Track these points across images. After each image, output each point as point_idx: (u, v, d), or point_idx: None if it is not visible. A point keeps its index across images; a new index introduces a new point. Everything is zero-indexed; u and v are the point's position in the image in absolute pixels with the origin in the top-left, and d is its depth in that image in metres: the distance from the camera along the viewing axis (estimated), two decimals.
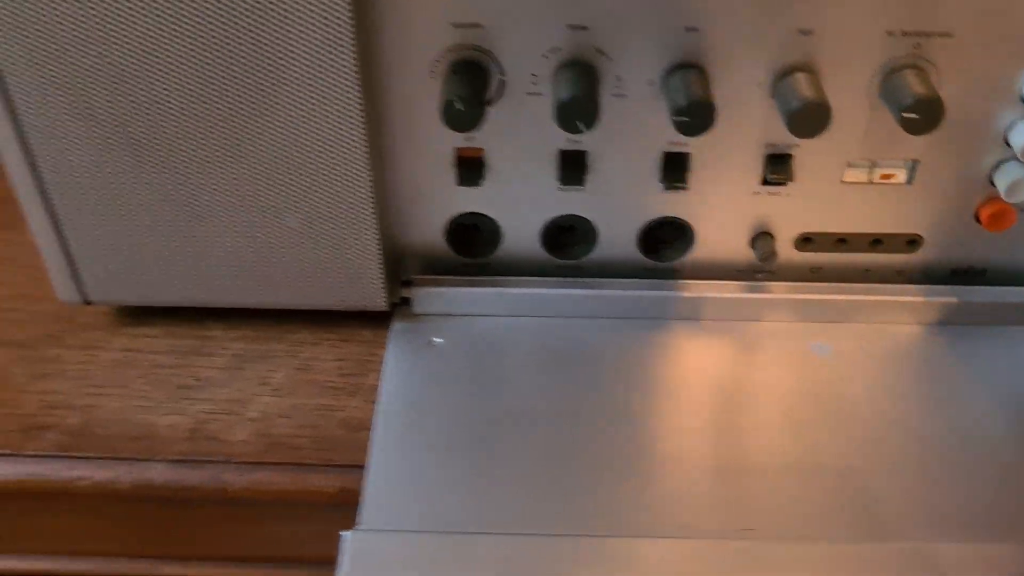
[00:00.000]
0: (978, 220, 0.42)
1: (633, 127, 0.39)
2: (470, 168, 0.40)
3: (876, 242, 0.43)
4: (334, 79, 0.35)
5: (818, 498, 0.37)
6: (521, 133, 0.39)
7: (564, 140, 0.39)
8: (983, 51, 0.37)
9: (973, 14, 0.36)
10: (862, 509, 0.36)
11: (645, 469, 0.38)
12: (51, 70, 0.35)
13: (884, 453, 0.38)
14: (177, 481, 0.38)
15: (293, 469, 0.38)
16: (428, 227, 0.42)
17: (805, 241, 0.43)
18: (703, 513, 0.36)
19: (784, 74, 0.37)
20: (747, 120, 0.38)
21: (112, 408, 0.40)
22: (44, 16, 0.34)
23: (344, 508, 0.37)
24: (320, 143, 0.37)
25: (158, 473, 0.38)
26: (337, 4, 0.34)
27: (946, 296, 0.43)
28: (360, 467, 0.37)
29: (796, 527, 0.35)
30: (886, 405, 0.41)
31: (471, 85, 0.36)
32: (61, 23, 0.34)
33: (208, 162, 0.37)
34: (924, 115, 0.36)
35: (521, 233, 0.42)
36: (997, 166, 0.40)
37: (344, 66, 0.35)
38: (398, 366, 0.41)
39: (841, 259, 0.43)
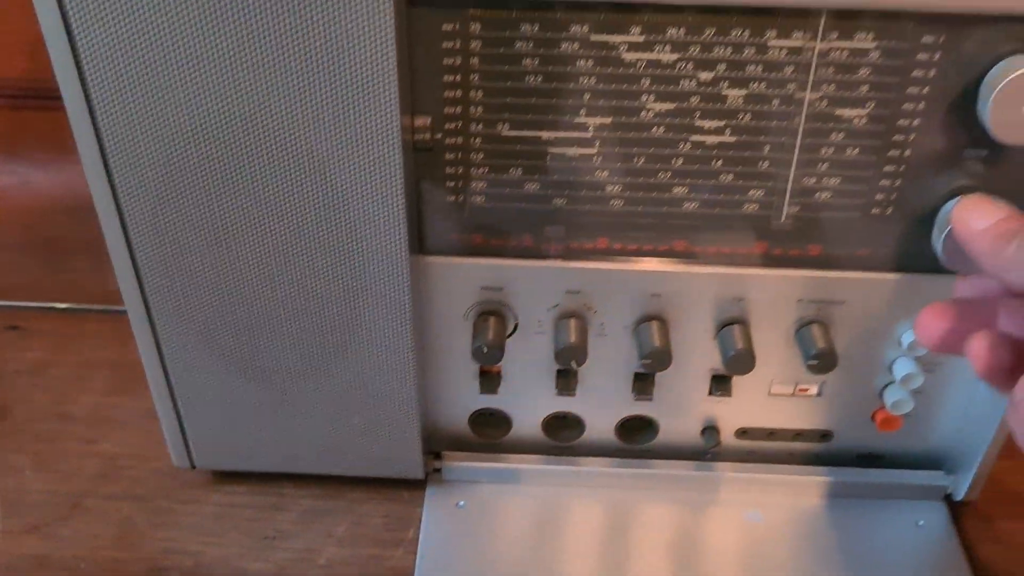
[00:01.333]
0: (874, 421, 0.55)
1: (612, 356, 0.52)
2: (490, 381, 0.53)
3: (797, 435, 0.56)
4: (396, 327, 0.48)
5: None
6: (529, 359, 0.52)
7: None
8: (869, 310, 0.50)
9: (859, 289, 0.49)
10: None
11: None
12: (191, 314, 0.49)
13: None
14: None
15: None
16: (456, 418, 0.55)
17: (742, 433, 0.56)
18: None
19: (723, 325, 0.50)
20: (697, 355, 0.52)
21: (214, 555, 0.52)
22: (193, 279, 0.47)
23: None
24: (383, 369, 0.50)
25: None
26: (401, 283, 0.47)
27: (852, 477, 0.56)
28: None
29: None
30: (804, 563, 0.53)
31: (495, 332, 0.49)
32: (204, 286, 0.47)
33: (301, 380, 0.50)
34: (823, 364, 0.49)
35: (526, 423, 0.55)
36: (885, 387, 0.53)
37: (403, 321, 0.48)
38: (432, 524, 0.54)
39: (770, 446, 0.56)
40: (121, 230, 0.46)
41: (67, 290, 0.70)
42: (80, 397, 0.62)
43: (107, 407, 0.61)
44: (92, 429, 0.60)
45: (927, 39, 0.42)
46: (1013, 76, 0.40)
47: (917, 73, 0.42)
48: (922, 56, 0.42)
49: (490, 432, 0.56)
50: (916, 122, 0.44)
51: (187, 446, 0.55)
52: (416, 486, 0.56)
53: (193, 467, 0.55)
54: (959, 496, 0.56)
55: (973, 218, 0.39)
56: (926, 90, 0.43)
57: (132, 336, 0.50)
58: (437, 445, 0.57)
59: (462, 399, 0.55)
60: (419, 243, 0.48)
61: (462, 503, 0.55)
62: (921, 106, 0.43)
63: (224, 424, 0.53)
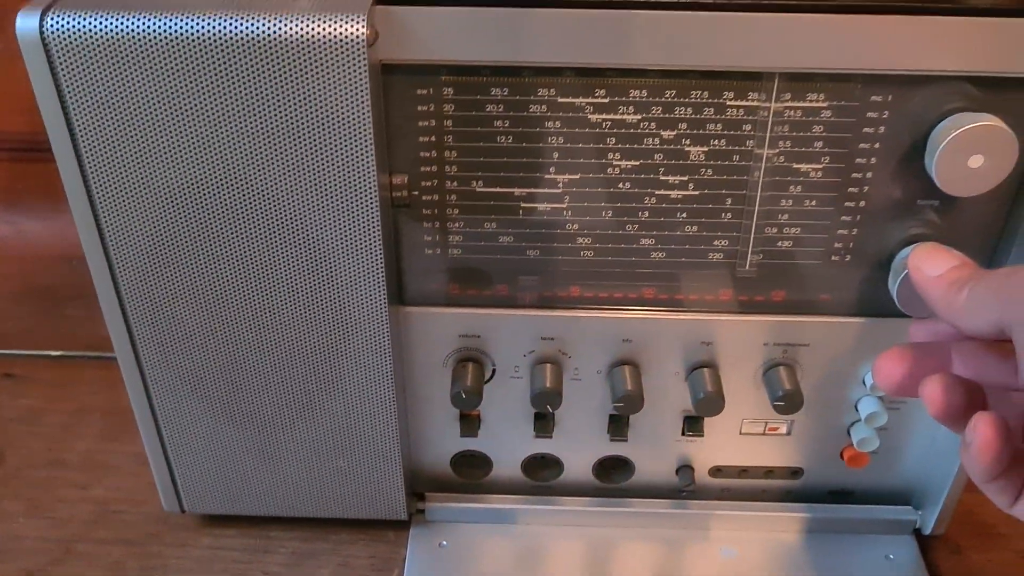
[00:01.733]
0: (843, 458, 0.57)
1: (587, 399, 0.54)
2: (470, 424, 0.55)
3: (769, 472, 0.58)
4: (378, 375, 0.50)
5: None
6: (507, 402, 0.54)
7: None
8: (832, 353, 0.52)
9: (821, 332, 0.51)
10: None
11: None
12: (179, 363, 0.50)
13: None
14: None
15: None
16: (437, 460, 0.57)
17: (716, 471, 0.57)
18: None
19: (693, 368, 0.52)
20: (669, 397, 0.53)
21: None
22: (182, 329, 0.49)
23: None
24: (366, 415, 0.52)
25: None
26: (382, 333, 0.49)
27: (823, 512, 0.58)
28: None
29: None
30: None
31: (473, 378, 0.51)
32: (192, 337, 0.49)
33: (287, 426, 0.52)
34: (789, 404, 0.51)
35: (507, 464, 0.57)
36: (852, 424, 0.55)
37: (384, 369, 0.50)
38: (416, 564, 0.56)
39: (743, 484, 0.58)
40: (111, 282, 0.48)
41: (61, 337, 0.72)
42: (74, 443, 0.63)
43: (100, 453, 0.63)
44: (85, 475, 0.61)
45: (875, 98, 0.44)
46: (957, 133, 0.42)
47: (867, 130, 0.45)
48: (871, 114, 0.44)
49: (471, 473, 0.58)
50: (869, 175, 0.46)
51: (177, 491, 0.56)
52: (400, 527, 0.58)
53: (183, 511, 0.57)
54: (927, 530, 0.57)
55: (927, 265, 0.41)
56: (877, 145, 0.45)
57: (124, 382, 0.52)
58: (420, 487, 0.58)
59: (443, 442, 0.56)
60: (398, 294, 0.50)
61: (445, 543, 0.57)
62: (873, 160, 0.46)
63: (213, 469, 0.55)
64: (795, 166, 0.46)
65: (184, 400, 0.52)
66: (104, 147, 0.44)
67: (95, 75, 0.42)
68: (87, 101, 0.42)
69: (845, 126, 0.45)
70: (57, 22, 0.41)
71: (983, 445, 0.36)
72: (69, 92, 0.42)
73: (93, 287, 0.49)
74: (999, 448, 0.36)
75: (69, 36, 0.41)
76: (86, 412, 0.66)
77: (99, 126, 0.43)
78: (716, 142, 0.46)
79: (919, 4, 0.42)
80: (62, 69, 0.42)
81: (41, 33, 0.41)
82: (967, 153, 0.43)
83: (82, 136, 0.44)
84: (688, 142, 0.46)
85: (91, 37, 0.41)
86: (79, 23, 0.41)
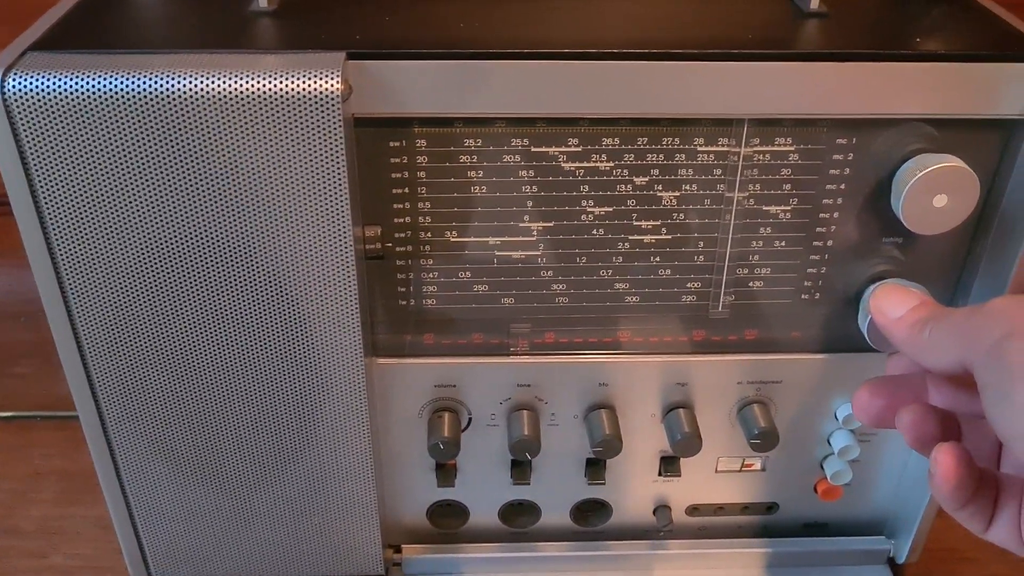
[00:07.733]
0: (816, 492, 0.57)
1: (564, 444, 0.53)
2: (447, 474, 0.54)
3: (745, 508, 0.58)
4: (353, 429, 0.49)
5: None
6: (484, 451, 0.53)
7: None
8: (805, 389, 0.53)
9: (793, 369, 0.52)
10: None
11: None
12: (147, 423, 0.49)
13: None
14: None
15: None
16: (414, 511, 0.56)
17: (693, 509, 0.58)
18: None
19: (669, 410, 0.52)
20: (646, 438, 0.53)
21: None
22: (149, 387, 0.48)
23: None
24: (342, 470, 0.51)
25: None
26: (357, 387, 0.48)
27: (798, 546, 0.58)
28: None
29: None
30: None
31: (450, 428, 0.50)
32: (160, 394, 0.48)
33: (260, 485, 0.51)
34: (765, 442, 0.51)
35: (484, 512, 0.57)
36: (825, 458, 0.56)
37: (360, 423, 0.49)
38: None
39: (720, 521, 0.58)
40: (74, 340, 0.47)
41: (12, 397, 0.69)
42: (28, 509, 0.61)
43: (57, 518, 0.60)
44: (42, 542, 0.59)
45: (840, 141, 0.45)
46: (922, 174, 0.44)
47: (834, 172, 0.46)
48: (837, 157, 0.45)
49: (448, 523, 0.57)
50: (836, 215, 0.47)
51: (144, 557, 0.54)
52: None
53: None
54: (901, 559, 0.58)
55: (888, 307, 0.41)
56: (843, 186, 0.46)
57: (82, 443, 0.50)
58: (396, 539, 0.57)
59: (420, 493, 0.56)
60: (372, 346, 0.50)
61: None
62: (840, 201, 0.47)
63: (182, 532, 0.53)
64: (765, 208, 0.47)
65: (152, 461, 0.50)
66: (69, 206, 0.42)
67: (60, 135, 0.40)
68: (51, 160, 0.41)
69: (812, 168, 0.46)
70: (19, 83, 0.39)
71: (944, 473, 0.36)
72: (31, 152, 0.41)
73: (45, 344, 0.47)
74: (960, 476, 0.36)
75: (32, 97, 0.40)
76: (40, 476, 0.63)
77: (63, 185, 0.42)
78: (688, 187, 0.46)
79: (880, 51, 0.43)
80: (24, 130, 0.40)
81: (3, 94, 0.40)
82: (932, 193, 0.44)
83: (44, 195, 0.42)
84: (660, 187, 0.46)
85: (56, 97, 0.40)
86: (43, 83, 0.39)
